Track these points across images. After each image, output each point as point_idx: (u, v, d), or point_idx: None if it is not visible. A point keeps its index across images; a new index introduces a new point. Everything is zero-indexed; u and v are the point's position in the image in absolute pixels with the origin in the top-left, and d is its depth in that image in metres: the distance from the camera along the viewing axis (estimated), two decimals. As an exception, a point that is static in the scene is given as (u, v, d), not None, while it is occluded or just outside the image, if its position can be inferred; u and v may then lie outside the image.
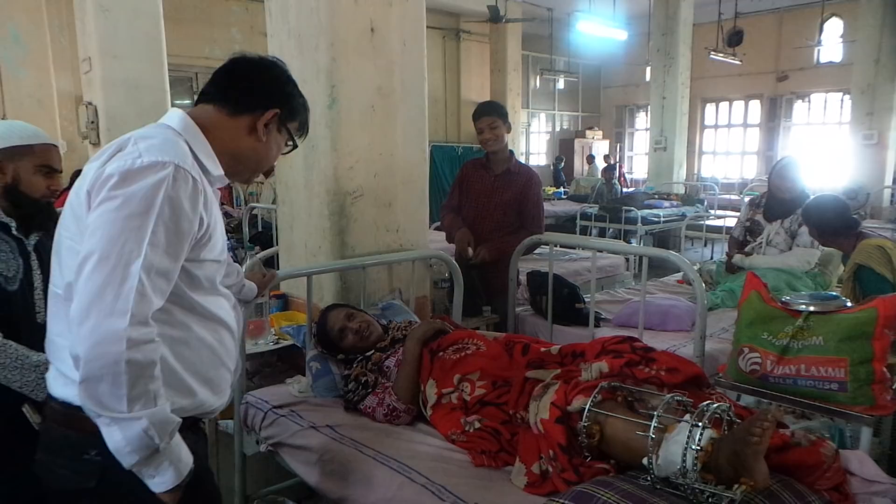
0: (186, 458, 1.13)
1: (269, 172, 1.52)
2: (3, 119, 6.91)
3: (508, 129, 3.12)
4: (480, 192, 3.15)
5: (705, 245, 8.69)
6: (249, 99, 1.25)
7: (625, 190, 10.53)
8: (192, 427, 1.29)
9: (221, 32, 9.55)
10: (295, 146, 1.36)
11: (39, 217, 1.74)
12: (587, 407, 1.51)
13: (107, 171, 1.06)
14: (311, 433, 1.86)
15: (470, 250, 2.99)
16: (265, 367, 2.66)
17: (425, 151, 2.68)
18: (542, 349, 1.95)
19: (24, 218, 1.72)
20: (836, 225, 2.49)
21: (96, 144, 4.43)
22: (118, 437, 1.03)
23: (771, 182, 3.59)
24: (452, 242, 3.17)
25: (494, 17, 9.95)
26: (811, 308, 1.95)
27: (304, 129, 1.38)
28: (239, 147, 1.26)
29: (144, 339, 1.02)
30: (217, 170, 1.22)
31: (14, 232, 1.70)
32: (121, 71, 4.23)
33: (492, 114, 3.07)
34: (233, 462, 2.13)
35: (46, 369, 1.61)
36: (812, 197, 3.04)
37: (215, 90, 1.27)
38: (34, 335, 1.67)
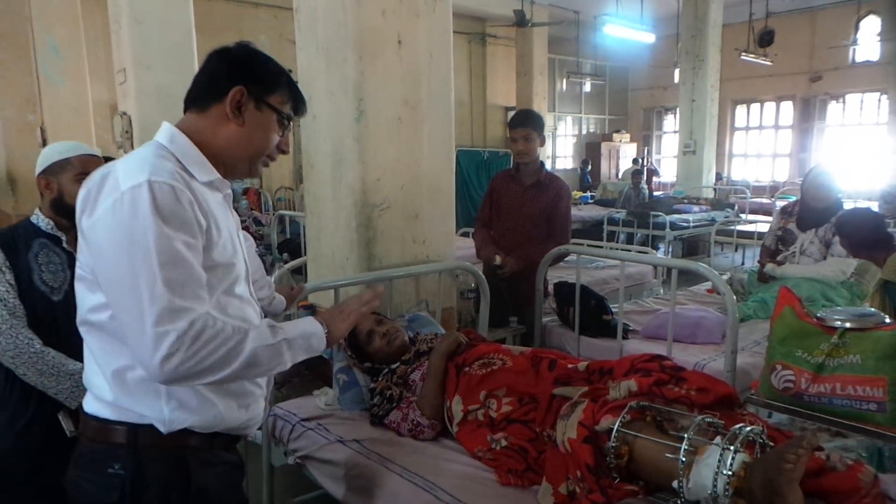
0: (309, 326, 1.25)
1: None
2: (41, 127, 7.12)
3: (542, 142, 3.11)
4: (511, 204, 3.14)
5: (736, 250, 8.53)
6: (211, 88, 1.21)
7: (654, 193, 10.37)
8: (227, 447, 1.29)
9: (250, 39, 9.68)
10: (289, 120, 1.27)
11: None
12: (616, 427, 1.49)
13: (96, 214, 1.08)
14: (339, 447, 1.87)
15: (498, 258, 2.98)
16: (293, 377, 2.68)
17: (452, 162, 2.68)
18: (570, 365, 1.93)
19: (75, 230, 1.78)
20: (870, 239, 2.42)
21: (130, 154, 4.53)
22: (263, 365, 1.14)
23: (804, 191, 3.51)
24: (481, 259, 3.18)
25: (520, 21, 9.91)
26: (847, 325, 1.90)
27: (294, 99, 1.27)
28: (220, 139, 1.21)
29: (192, 337, 1.02)
30: (205, 175, 1.18)
31: (65, 245, 1.77)
32: (153, 81, 4.32)
33: (528, 125, 3.05)
34: (261, 473, 2.15)
35: (81, 378, 1.67)
36: (846, 209, 2.97)
37: (188, 96, 1.24)
38: (76, 345, 1.73)
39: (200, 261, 1.10)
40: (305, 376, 2.76)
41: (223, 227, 1.19)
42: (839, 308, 2.04)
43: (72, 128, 7.11)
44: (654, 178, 13.14)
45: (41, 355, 1.66)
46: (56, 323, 1.74)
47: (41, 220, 1.79)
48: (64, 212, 1.78)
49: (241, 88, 1.19)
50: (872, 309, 2.05)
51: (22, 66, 7.20)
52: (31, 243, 1.75)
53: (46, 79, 7.03)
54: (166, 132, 1.20)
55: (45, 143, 7.10)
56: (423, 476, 1.66)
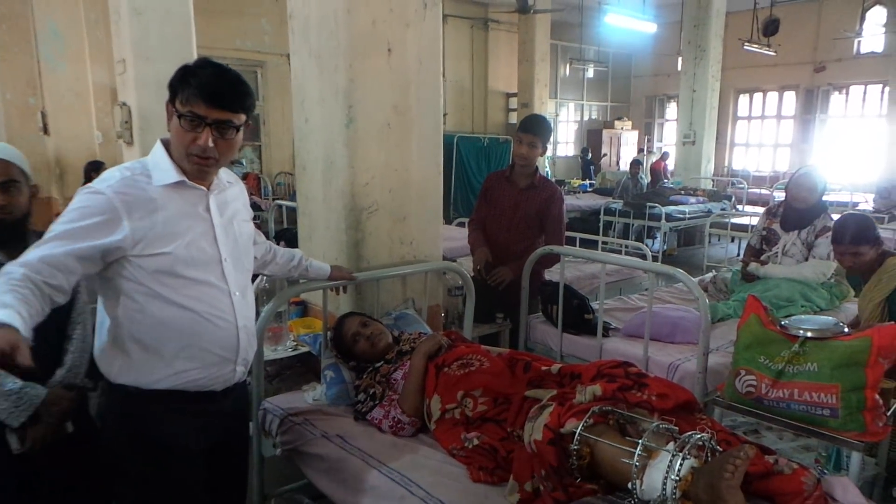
0: None
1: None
2: (42, 111, 7.18)
3: (543, 152, 3.20)
4: (504, 205, 3.23)
5: (732, 241, 8.61)
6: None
7: (665, 182, 10.33)
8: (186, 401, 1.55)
9: (251, 23, 9.72)
10: (192, 117, 1.42)
11: (4, 236, 1.70)
12: (578, 430, 1.60)
13: None
14: (323, 442, 1.99)
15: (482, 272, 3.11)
16: (285, 370, 2.80)
17: (440, 166, 2.76)
18: (543, 368, 2.03)
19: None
20: (865, 234, 2.45)
21: (130, 144, 4.60)
22: None
23: (788, 192, 3.59)
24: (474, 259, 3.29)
25: (523, 7, 9.91)
26: (808, 334, 2.00)
27: (200, 89, 1.40)
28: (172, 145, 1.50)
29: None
30: (164, 179, 1.46)
31: None
32: (152, 72, 4.36)
33: (536, 133, 3.13)
34: (251, 463, 2.27)
35: (19, 398, 1.60)
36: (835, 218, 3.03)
37: None
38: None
39: (84, 238, 1.37)
40: (297, 367, 2.88)
41: (166, 221, 1.45)
42: (804, 317, 2.13)
43: (73, 111, 7.18)
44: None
45: None
46: None
47: None
48: None
49: (167, 103, 1.47)
50: (833, 319, 2.14)
51: (23, 49, 7.24)
52: None
53: (47, 62, 7.08)
54: (155, 146, 1.52)
55: (45, 128, 7.17)
56: (401, 472, 1.77)
